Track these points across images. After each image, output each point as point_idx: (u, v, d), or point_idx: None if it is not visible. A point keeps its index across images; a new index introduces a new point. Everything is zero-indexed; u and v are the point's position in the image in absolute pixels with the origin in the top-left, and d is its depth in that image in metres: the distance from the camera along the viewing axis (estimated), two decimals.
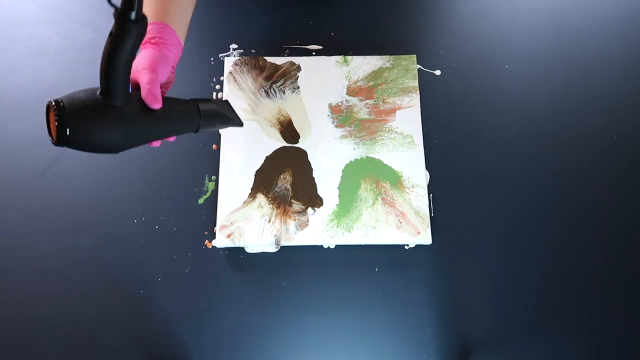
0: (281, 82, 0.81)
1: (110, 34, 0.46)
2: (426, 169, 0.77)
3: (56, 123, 0.46)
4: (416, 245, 0.75)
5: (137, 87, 0.56)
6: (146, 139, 0.56)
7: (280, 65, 0.82)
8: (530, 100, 0.82)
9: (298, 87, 0.80)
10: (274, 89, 0.80)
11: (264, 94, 0.80)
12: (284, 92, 0.80)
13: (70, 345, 0.70)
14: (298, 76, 0.81)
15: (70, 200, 0.76)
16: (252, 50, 0.85)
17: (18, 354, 0.69)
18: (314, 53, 0.85)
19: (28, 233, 0.74)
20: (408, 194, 0.75)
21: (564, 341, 0.70)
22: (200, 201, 0.76)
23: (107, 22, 0.86)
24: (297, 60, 0.82)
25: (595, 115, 0.82)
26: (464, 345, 0.70)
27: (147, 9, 0.59)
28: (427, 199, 0.75)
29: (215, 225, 0.74)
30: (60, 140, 0.47)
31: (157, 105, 0.54)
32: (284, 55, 0.84)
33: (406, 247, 0.75)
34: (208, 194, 0.77)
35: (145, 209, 0.76)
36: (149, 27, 0.58)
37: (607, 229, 0.75)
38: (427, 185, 0.77)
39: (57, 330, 0.70)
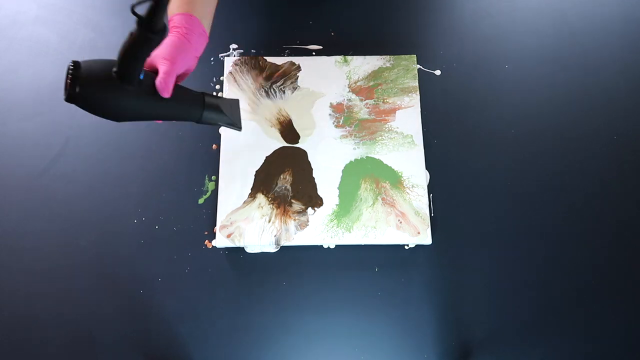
0: (281, 82, 0.81)
1: (131, 34, 0.50)
2: (426, 169, 0.77)
3: (69, 81, 0.52)
4: (416, 245, 0.75)
5: (153, 69, 0.59)
6: (148, 118, 0.61)
7: (280, 65, 0.82)
8: (530, 100, 0.82)
9: (298, 87, 0.80)
10: (274, 89, 0.80)
11: (264, 94, 0.80)
12: (284, 92, 0.80)
13: (70, 345, 0.70)
14: (298, 76, 0.81)
15: (70, 200, 0.76)
16: (252, 50, 0.85)
17: (18, 354, 0.69)
18: (314, 53, 0.85)
19: (28, 233, 0.74)
20: (408, 194, 0.75)
21: (564, 341, 0.70)
22: (200, 201, 0.76)
23: (107, 22, 0.86)
24: (297, 60, 0.82)
25: (595, 115, 0.82)
26: (464, 345, 0.70)
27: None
28: (427, 199, 0.75)
29: (215, 225, 0.74)
30: (69, 96, 0.53)
31: (166, 94, 0.58)
32: (284, 55, 0.84)
33: (406, 247, 0.75)
34: (208, 194, 0.77)
35: (145, 209, 0.76)
36: (175, 17, 0.62)
37: (607, 229, 0.75)
38: (427, 185, 0.77)
39: (57, 329, 0.70)
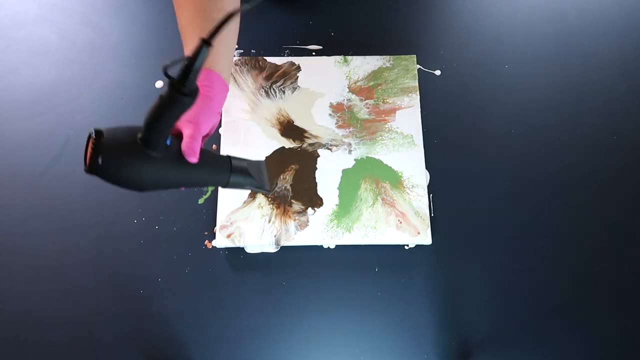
0: (281, 82, 0.81)
1: (161, 97, 0.47)
2: (426, 169, 0.77)
3: (91, 151, 0.49)
4: (416, 245, 0.75)
5: (178, 134, 0.55)
6: (173, 186, 0.57)
7: (280, 65, 0.82)
8: (530, 100, 0.82)
9: (298, 87, 0.80)
10: (274, 89, 0.80)
11: (264, 94, 0.80)
12: (284, 92, 0.80)
13: (71, 344, 0.70)
14: (298, 76, 0.81)
15: (70, 200, 0.76)
16: (252, 50, 0.85)
17: (18, 353, 0.69)
18: (314, 53, 0.85)
19: (28, 233, 0.74)
20: (408, 194, 0.75)
21: (564, 341, 0.70)
22: (200, 201, 0.76)
23: (107, 22, 0.86)
24: (297, 60, 0.82)
25: (595, 115, 0.82)
26: (464, 345, 0.70)
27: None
28: (427, 199, 0.75)
29: (215, 225, 0.74)
30: (90, 168, 0.49)
31: (194, 160, 0.54)
32: (284, 55, 0.84)
33: (406, 247, 0.75)
34: (208, 194, 0.77)
35: (145, 209, 0.76)
36: None
37: (607, 229, 0.75)
38: (427, 185, 0.77)
39: (57, 330, 0.70)
